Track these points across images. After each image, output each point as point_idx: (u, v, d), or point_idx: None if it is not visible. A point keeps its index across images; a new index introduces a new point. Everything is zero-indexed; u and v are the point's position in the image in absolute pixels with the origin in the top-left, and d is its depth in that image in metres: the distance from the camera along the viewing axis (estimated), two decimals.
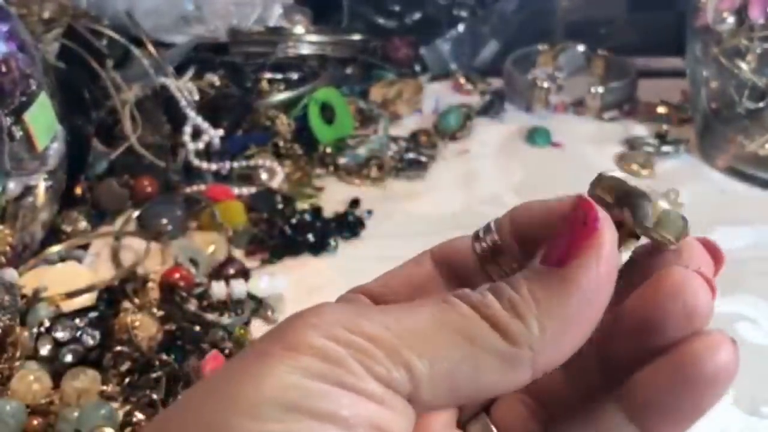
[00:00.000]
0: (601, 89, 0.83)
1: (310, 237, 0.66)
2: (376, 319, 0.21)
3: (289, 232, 0.66)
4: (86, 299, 0.58)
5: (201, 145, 0.74)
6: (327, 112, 0.79)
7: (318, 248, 0.65)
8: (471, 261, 0.25)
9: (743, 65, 0.71)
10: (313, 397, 0.20)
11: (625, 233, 0.23)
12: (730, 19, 0.70)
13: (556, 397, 0.25)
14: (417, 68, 0.93)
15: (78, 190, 0.69)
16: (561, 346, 0.21)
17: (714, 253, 0.23)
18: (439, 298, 0.22)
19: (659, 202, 0.23)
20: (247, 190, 0.72)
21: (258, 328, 0.58)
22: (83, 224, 0.67)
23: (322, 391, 0.20)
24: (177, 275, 0.58)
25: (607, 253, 0.21)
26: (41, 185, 0.62)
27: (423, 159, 0.77)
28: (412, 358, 0.21)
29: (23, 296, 0.56)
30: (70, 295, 0.57)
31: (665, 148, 0.77)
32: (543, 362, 0.21)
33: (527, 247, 0.24)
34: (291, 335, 0.21)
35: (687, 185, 0.72)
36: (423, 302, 0.22)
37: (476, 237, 0.26)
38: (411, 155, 0.77)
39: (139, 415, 0.50)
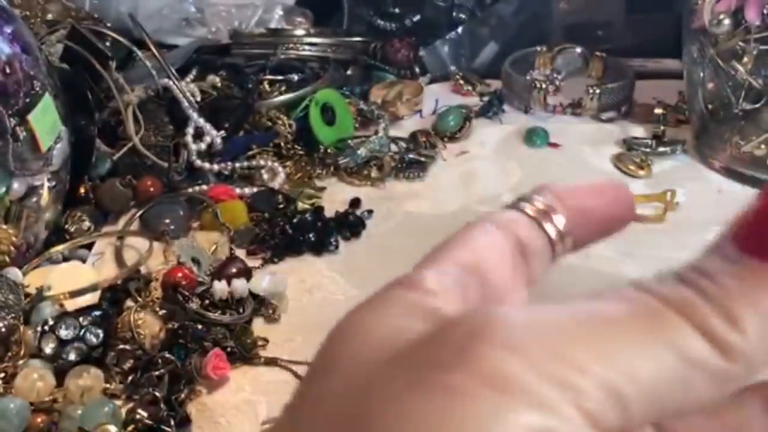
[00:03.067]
0: (598, 90, 0.83)
1: (311, 236, 0.66)
2: (576, 336, 0.17)
3: (291, 231, 0.67)
4: (90, 298, 0.58)
5: (203, 146, 0.74)
6: (328, 113, 0.80)
7: (319, 248, 0.66)
8: (526, 222, 0.23)
9: (740, 66, 0.71)
10: None
11: None
12: (727, 21, 0.70)
13: None
14: (417, 70, 0.93)
15: (81, 191, 0.70)
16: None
17: None
18: (627, 294, 0.18)
19: None
20: (248, 190, 0.72)
21: (259, 327, 0.59)
22: (87, 224, 0.67)
23: None
24: (179, 274, 0.59)
25: None
26: (45, 185, 0.63)
27: (423, 159, 0.77)
28: (623, 386, 0.16)
29: (27, 295, 0.56)
30: (74, 294, 0.58)
31: (662, 149, 0.77)
32: (751, 375, 0.18)
33: (579, 221, 0.23)
34: (484, 363, 0.16)
35: (684, 186, 0.72)
36: (608, 300, 0.18)
37: (519, 204, 0.23)
38: (411, 156, 0.77)
39: (142, 413, 0.50)
